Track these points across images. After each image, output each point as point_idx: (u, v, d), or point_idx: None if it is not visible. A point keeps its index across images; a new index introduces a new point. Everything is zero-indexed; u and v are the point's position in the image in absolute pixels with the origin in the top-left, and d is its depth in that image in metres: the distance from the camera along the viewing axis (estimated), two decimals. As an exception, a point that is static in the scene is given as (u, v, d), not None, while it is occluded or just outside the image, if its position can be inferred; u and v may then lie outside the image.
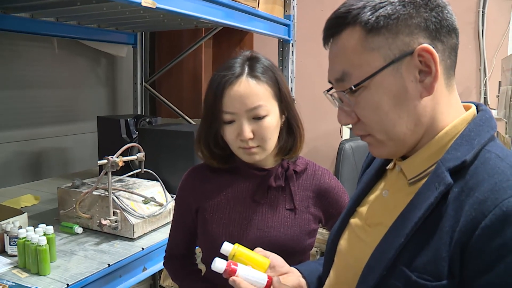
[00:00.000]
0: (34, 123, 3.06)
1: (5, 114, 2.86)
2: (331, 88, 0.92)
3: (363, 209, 1.00)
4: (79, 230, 1.95)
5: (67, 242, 1.89)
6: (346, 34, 0.85)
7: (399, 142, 0.87)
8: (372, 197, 1.00)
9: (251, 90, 1.24)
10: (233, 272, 1.01)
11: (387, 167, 0.99)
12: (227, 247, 1.09)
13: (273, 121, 1.27)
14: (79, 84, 3.37)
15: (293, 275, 1.15)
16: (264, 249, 1.17)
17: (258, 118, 1.25)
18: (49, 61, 3.12)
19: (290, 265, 1.19)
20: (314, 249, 3.55)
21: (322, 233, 3.66)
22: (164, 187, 2.12)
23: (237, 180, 1.39)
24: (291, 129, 1.36)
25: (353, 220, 1.01)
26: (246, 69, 1.27)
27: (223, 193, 1.39)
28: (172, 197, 2.12)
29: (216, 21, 2.24)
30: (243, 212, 1.36)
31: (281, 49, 3.03)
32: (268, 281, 1.03)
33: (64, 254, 1.77)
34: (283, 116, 1.34)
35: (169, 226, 2.06)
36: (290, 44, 2.98)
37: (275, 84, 1.29)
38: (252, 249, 1.13)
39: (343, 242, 1.02)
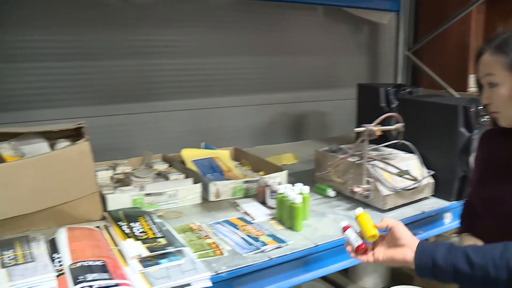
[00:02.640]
0: (299, 87, 3.25)
1: (278, 78, 3.12)
2: None
3: None
4: (332, 193, 2.01)
5: (319, 203, 1.96)
6: None
7: None
8: None
9: (484, 60, 1.32)
10: (345, 229, 1.35)
11: None
12: (357, 211, 1.38)
13: (504, 91, 1.28)
14: (341, 51, 3.43)
15: (403, 250, 1.24)
16: (494, 212, 1.34)
17: (491, 86, 1.30)
18: (314, 28, 3.25)
19: None
20: None
21: None
22: (422, 161, 2.02)
23: (501, 146, 1.41)
24: None
25: None
26: (493, 42, 1.32)
27: (488, 156, 1.46)
28: (429, 172, 2.01)
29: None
30: (491, 177, 1.40)
31: None
32: (359, 245, 1.31)
33: (316, 214, 1.84)
34: None
35: (422, 202, 1.98)
36: None
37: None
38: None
39: None
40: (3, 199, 1.51)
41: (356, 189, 1.87)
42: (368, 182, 1.89)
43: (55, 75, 2.39)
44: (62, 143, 1.88)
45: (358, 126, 1.87)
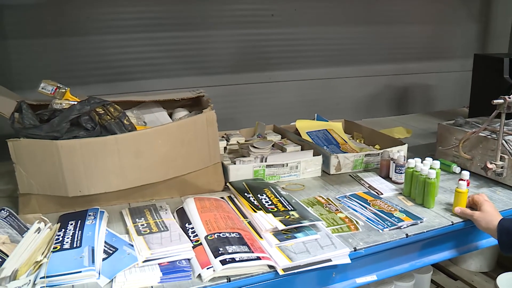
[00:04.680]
0: (402, 59, 3.08)
1: (382, 49, 2.98)
2: None
3: None
4: (457, 169, 1.88)
5: (444, 180, 1.83)
6: None
7: None
8: None
9: None
10: None
11: None
12: (462, 187, 1.53)
13: None
14: (448, 20, 3.20)
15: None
16: None
17: None
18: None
19: None
20: None
21: None
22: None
23: None
24: None
25: None
26: None
27: None
28: None
29: None
30: None
31: None
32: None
33: (444, 191, 1.73)
34: None
35: None
36: None
37: None
38: None
39: None
40: (134, 167, 1.50)
41: (490, 166, 1.73)
42: (502, 159, 1.74)
43: (164, 46, 2.38)
44: (180, 113, 1.87)
45: (496, 99, 1.71)
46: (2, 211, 1.39)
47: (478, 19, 3.30)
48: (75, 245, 1.28)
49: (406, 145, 1.97)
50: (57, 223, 1.42)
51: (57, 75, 1.90)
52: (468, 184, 1.56)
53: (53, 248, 1.26)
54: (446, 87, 3.24)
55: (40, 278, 1.13)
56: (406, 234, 1.41)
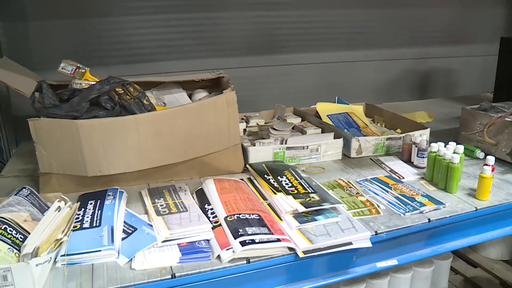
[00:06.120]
0: (424, 42, 3.02)
1: (404, 32, 2.92)
2: None
3: None
4: (481, 155, 1.85)
5: (468, 165, 1.79)
6: None
7: None
8: None
9: None
10: None
11: None
12: (487, 173, 1.48)
13: None
14: (473, 3, 3.12)
15: None
16: None
17: None
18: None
19: None
20: None
21: None
22: None
23: None
24: None
25: None
26: None
27: None
28: None
29: None
30: None
31: None
32: None
33: (468, 176, 1.69)
34: None
35: None
36: None
37: None
38: None
39: None
40: (153, 147, 1.50)
41: (516, 151, 1.69)
42: (528, 144, 1.71)
43: (182, 27, 2.36)
44: (200, 94, 1.86)
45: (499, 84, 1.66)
46: (24, 189, 1.39)
47: (504, 3, 3.21)
48: (94, 224, 1.28)
49: (429, 129, 1.93)
50: (77, 202, 1.42)
51: (76, 56, 1.89)
52: (493, 170, 1.52)
53: (73, 227, 1.26)
54: (469, 72, 3.17)
55: (61, 256, 1.13)
56: (428, 219, 1.38)
